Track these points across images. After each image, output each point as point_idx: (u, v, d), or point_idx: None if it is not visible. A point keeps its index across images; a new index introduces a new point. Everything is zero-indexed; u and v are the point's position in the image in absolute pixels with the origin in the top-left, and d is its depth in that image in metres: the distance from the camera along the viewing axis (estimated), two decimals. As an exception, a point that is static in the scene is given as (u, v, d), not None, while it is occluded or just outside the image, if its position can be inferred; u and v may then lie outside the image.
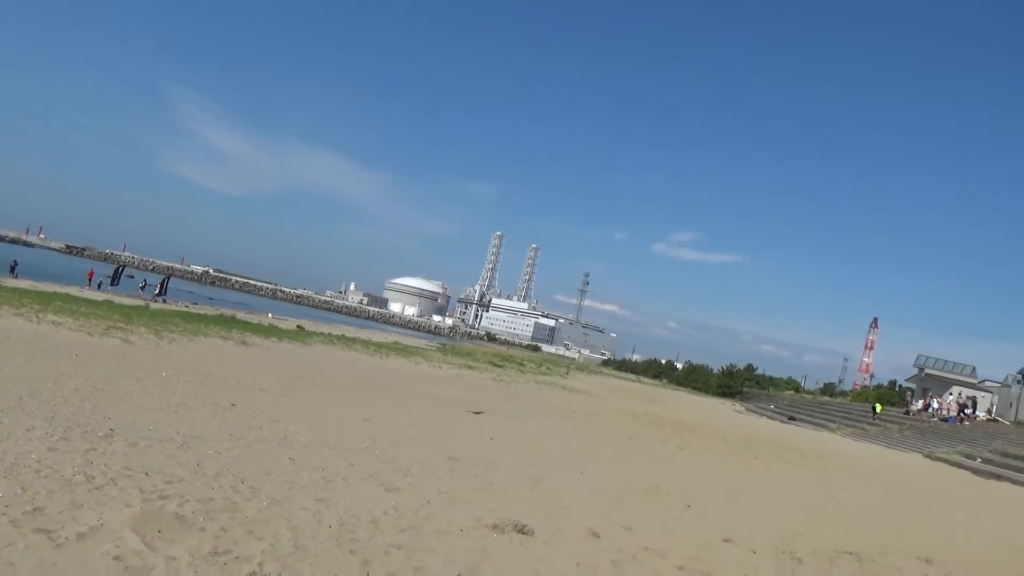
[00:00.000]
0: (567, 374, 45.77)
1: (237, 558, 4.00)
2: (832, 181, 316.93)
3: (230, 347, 17.26)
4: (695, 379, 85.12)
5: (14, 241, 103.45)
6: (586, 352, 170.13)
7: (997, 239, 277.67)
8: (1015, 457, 25.83)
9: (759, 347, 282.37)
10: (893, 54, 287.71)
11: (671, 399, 43.85)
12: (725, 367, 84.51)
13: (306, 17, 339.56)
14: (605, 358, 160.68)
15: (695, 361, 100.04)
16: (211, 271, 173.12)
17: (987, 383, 55.75)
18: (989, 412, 44.77)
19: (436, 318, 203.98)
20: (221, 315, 31.05)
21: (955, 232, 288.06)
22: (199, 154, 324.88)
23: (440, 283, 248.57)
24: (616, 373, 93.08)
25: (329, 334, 33.15)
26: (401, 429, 9.95)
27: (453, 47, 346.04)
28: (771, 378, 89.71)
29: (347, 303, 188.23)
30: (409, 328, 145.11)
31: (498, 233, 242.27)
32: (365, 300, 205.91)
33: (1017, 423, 39.56)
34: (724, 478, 11.25)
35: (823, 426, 39.77)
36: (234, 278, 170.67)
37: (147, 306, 26.78)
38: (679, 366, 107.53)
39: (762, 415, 47.64)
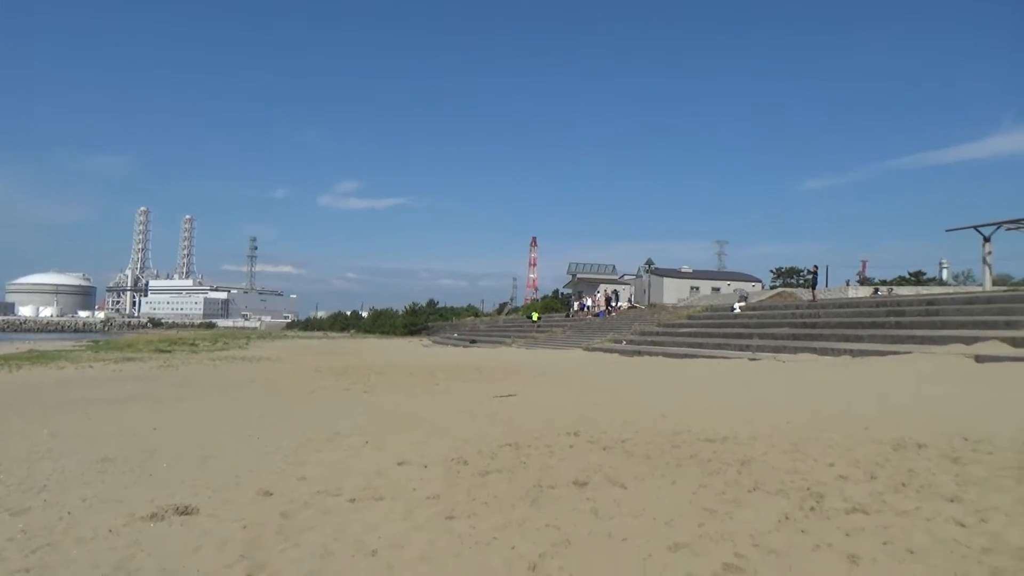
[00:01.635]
0: (247, 345, 43.60)
1: None
2: (478, 121, 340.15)
3: None
4: (382, 324, 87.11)
5: None
6: (267, 319, 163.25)
7: (626, 159, 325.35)
8: (650, 334, 31.19)
9: (438, 282, 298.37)
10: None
11: (358, 348, 44.31)
12: (408, 306, 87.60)
13: None
14: (289, 321, 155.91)
15: (379, 307, 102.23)
16: None
17: (626, 277, 66.03)
18: (630, 301, 53.13)
19: (83, 314, 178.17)
20: None
21: (590, 155, 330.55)
22: None
23: (80, 274, 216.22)
24: (302, 334, 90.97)
25: (-71, 357, 27.10)
26: (36, 444, 8.62)
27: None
28: (453, 308, 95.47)
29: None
30: (49, 331, 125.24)
31: (143, 208, 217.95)
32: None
33: (650, 306, 47.58)
34: (405, 410, 11.78)
35: (500, 343, 43.76)
36: None
37: None
38: (364, 315, 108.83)
39: (447, 345, 50.74)
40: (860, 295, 32.84)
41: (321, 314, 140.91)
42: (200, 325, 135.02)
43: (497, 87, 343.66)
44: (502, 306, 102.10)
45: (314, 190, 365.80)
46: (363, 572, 4.08)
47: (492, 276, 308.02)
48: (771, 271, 72.72)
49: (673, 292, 53.44)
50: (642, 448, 7.55)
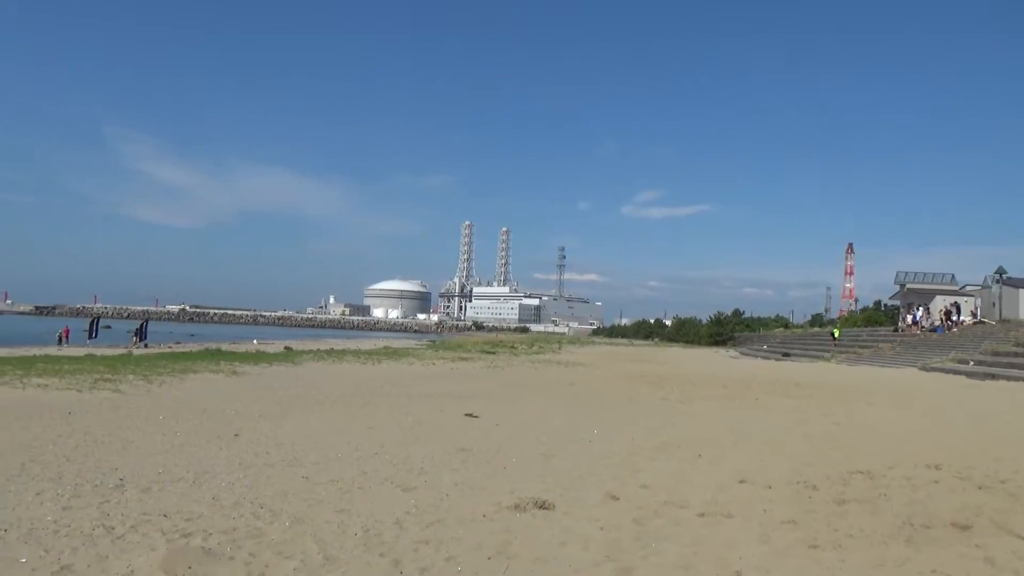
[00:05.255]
0: (559, 349, 45.99)
1: (271, 580, 4.06)
2: (780, 119, 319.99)
3: (222, 379, 17.16)
4: (686, 333, 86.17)
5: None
6: (575, 325, 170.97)
7: (962, 152, 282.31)
8: (1005, 355, 26.47)
9: (741, 291, 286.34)
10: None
11: (665, 356, 44.26)
12: (713, 316, 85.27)
13: (220, 35, 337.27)
14: (594, 328, 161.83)
15: (682, 315, 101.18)
16: (187, 308, 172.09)
17: (968, 288, 56.72)
18: (974, 315, 45.58)
19: (421, 317, 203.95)
20: (207, 349, 30.83)
21: (915, 152, 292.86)
22: (149, 192, 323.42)
23: (419, 281, 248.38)
24: (607, 340, 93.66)
25: (318, 350, 33.03)
26: (406, 430, 10.00)
27: (373, 45, 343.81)
28: (759, 319, 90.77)
29: (329, 316, 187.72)
30: (395, 331, 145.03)
31: (467, 222, 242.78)
32: (347, 311, 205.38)
33: (1003, 321, 40.43)
34: (729, 423, 11.44)
35: (818, 357, 40.40)
36: (212, 311, 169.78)
37: (130, 354, 26.51)
38: (668, 323, 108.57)
39: (756, 357, 48.22)
40: None
41: (624, 321, 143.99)
42: (515, 329, 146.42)
43: (806, 82, 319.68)
44: (815, 317, 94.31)
45: (616, 201, 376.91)
46: (730, 592, 3.98)
47: (801, 286, 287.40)
48: None
49: (1032, 306, 44.50)
50: (1032, 492, 6.37)
